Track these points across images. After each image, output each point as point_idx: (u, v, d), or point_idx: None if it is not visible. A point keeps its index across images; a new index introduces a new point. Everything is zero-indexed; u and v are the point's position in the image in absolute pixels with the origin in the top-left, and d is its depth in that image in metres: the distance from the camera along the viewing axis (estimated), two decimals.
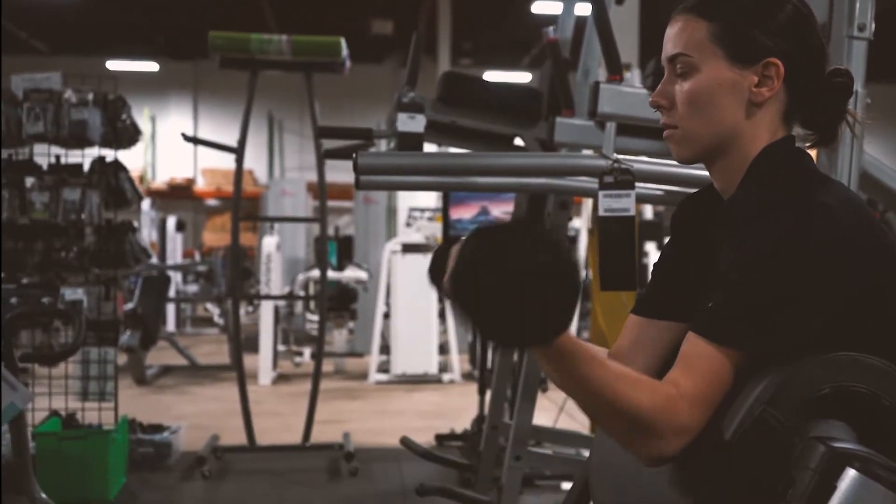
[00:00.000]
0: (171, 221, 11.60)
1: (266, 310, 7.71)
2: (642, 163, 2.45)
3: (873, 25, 1.85)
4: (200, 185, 16.44)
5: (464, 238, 1.06)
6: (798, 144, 1.35)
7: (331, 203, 8.46)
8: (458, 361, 7.80)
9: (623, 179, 2.35)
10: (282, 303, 8.36)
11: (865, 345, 1.17)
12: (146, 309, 7.17)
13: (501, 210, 5.41)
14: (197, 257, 12.46)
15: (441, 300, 7.81)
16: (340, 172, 8.24)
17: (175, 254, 11.66)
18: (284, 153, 16.32)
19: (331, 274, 8.01)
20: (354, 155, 2.35)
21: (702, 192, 1.48)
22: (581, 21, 3.12)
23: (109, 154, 4.50)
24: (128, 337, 6.86)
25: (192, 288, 11.05)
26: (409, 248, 7.78)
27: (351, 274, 8.68)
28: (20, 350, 3.87)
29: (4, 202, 4.35)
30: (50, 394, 4.29)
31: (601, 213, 2.35)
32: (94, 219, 4.42)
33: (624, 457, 1.25)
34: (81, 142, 4.40)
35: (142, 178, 14.63)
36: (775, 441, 1.11)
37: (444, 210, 5.56)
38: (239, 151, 4.96)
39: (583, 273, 5.45)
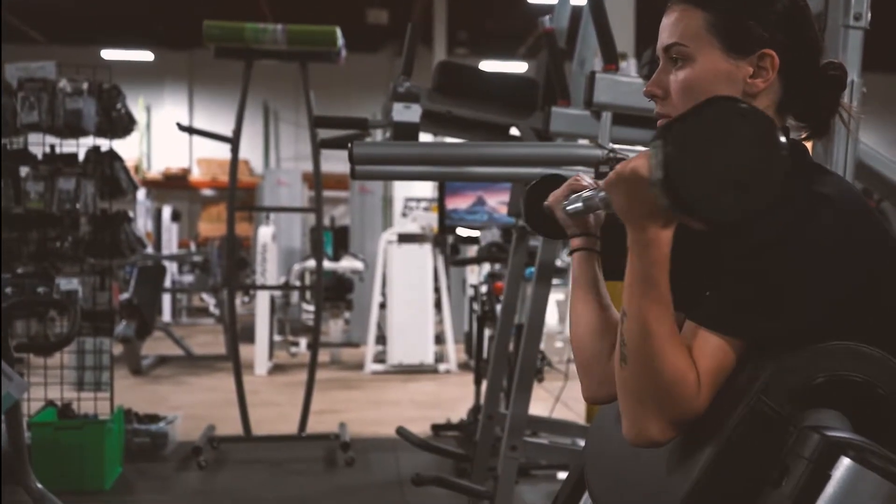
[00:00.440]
0: (167, 211, 11.59)
1: (262, 300, 7.71)
2: (638, 152, 2.45)
3: (869, 14, 1.85)
4: (196, 174, 16.40)
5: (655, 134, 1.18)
6: (792, 136, 1.34)
7: (327, 193, 8.47)
8: (454, 351, 7.81)
9: None
10: (278, 293, 8.36)
11: (862, 334, 1.17)
12: (142, 299, 7.17)
13: (497, 200, 5.40)
14: (192, 247, 12.44)
15: (437, 290, 7.82)
16: (336, 162, 8.27)
17: (171, 244, 11.65)
18: (280, 143, 16.30)
19: (327, 264, 8.02)
20: (350, 145, 2.35)
21: None
22: (577, 11, 3.11)
23: (104, 144, 4.49)
24: (123, 327, 6.87)
25: (188, 278, 11.04)
26: (405, 238, 7.77)
27: (347, 264, 8.68)
28: (15, 340, 3.88)
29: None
30: (46, 384, 4.29)
31: None
32: (89, 208, 4.41)
33: (619, 446, 1.25)
34: (76, 131, 4.39)
35: (137, 168, 14.59)
36: (770, 430, 1.11)
37: (440, 200, 5.56)
38: (234, 141, 4.95)
39: None
